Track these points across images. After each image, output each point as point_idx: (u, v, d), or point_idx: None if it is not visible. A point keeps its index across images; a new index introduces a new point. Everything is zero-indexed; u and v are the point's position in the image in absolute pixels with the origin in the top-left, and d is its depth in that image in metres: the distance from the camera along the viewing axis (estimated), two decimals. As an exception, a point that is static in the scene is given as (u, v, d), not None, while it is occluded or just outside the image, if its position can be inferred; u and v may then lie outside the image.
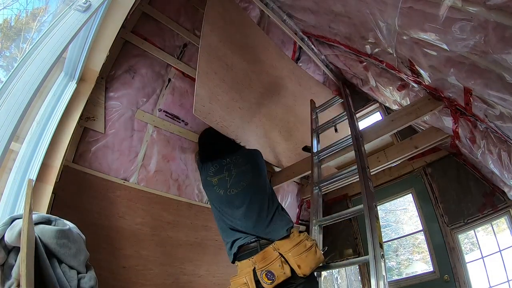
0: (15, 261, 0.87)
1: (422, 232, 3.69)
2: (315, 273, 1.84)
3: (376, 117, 4.37)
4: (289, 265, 1.59)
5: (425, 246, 3.73)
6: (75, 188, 1.80)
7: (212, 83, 2.21)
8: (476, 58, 1.61)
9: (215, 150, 2.07)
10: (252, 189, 1.90)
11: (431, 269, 3.44)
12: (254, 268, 1.61)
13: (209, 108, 2.13)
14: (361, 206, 2.13)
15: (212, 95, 2.19)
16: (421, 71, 2.17)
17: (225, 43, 2.49)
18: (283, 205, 2.51)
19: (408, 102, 2.88)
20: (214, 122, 2.15)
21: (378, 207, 2.33)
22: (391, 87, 3.04)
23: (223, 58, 2.42)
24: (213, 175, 1.96)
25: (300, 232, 1.76)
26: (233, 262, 1.77)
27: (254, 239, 1.71)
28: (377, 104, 4.22)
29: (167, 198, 2.25)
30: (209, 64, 2.23)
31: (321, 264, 1.76)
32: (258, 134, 2.66)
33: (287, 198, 3.76)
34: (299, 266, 1.57)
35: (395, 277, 4.97)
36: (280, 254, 1.61)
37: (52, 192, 1.45)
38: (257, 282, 1.57)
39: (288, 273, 1.57)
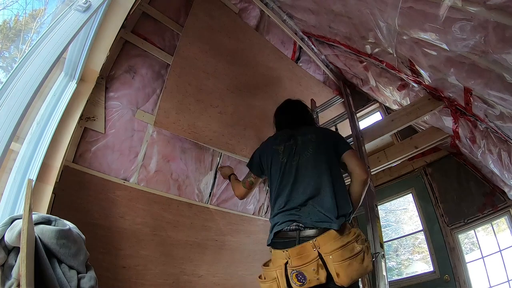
0: (15, 261, 0.87)
1: (422, 232, 3.70)
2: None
3: (376, 117, 4.38)
4: (326, 270, 1.34)
5: (425, 246, 3.73)
6: (75, 188, 1.80)
7: (182, 94, 2.29)
8: (476, 58, 1.61)
9: (286, 119, 1.99)
10: (312, 162, 1.62)
11: (431, 269, 3.45)
12: (287, 263, 1.41)
13: (175, 118, 2.21)
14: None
15: (181, 106, 2.26)
16: (421, 71, 2.18)
17: (209, 52, 2.56)
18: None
19: (408, 102, 2.88)
20: (181, 130, 2.23)
21: (379, 207, 2.34)
22: (391, 87, 3.04)
23: (203, 67, 2.49)
24: (279, 143, 1.79)
25: (352, 227, 1.48)
26: (268, 245, 1.58)
27: (294, 226, 1.46)
28: (377, 104, 4.22)
29: (167, 198, 2.25)
30: (182, 77, 2.31)
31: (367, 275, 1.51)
32: (247, 136, 2.68)
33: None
34: (337, 275, 1.31)
35: (396, 277, 4.97)
36: (320, 254, 1.35)
37: (52, 192, 1.45)
38: (287, 278, 1.40)
39: (322, 279, 1.33)
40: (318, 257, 1.35)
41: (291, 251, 1.40)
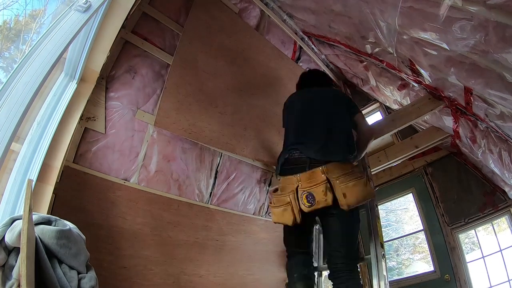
0: (16, 261, 0.87)
1: (423, 231, 3.70)
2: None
3: (377, 116, 4.38)
4: (333, 193, 1.50)
5: (425, 245, 3.74)
6: (76, 189, 1.80)
7: (182, 95, 2.29)
8: (476, 57, 1.61)
9: (308, 80, 2.34)
10: (331, 109, 1.93)
11: (431, 268, 3.45)
12: (297, 186, 1.56)
13: (175, 118, 2.22)
14: (362, 205, 2.12)
15: (181, 106, 2.27)
16: (422, 71, 2.17)
17: (209, 52, 2.57)
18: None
19: (409, 102, 2.88)
20: (181, 130, 2.24)
21: (379, 207, 2.34)
22: (391, 87, 3.04)
23: (204, 67, 2.49)
24: (300, 95, 2.23)
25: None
26: (278, 175, 1.78)
27: (304, 156, 1.66)
28: (378, 104, 4.22)
29: (168, 198, 2.25)
30: (182, 78, 2.32)
31: (370, 199, 1.70)
32: (247, 136, 2.68)
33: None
34: (344, 195, 1.48)
35: (396, 277, 4.97)
36: (328, 179, 1.52)
37: (53, 193, 1.45)
38: (298, 201, 1.55)
39: (329, 201, 1.49)
40: (327, 181, 1.51)
41: (303, 175, 1.57)
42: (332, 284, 1.62)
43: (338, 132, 1.79)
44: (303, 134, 1.81)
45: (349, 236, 1.65)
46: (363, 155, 2.06)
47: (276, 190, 1.75)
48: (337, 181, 1.51)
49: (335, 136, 1.75)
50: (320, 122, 1.84)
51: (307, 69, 2.52)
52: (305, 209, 1.52)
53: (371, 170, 2.44)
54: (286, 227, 1.76)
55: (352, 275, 1.56)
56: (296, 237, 1.77)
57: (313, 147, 1.68)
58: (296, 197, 1.56)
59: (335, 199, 1.50)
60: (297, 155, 1.70)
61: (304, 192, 1.52)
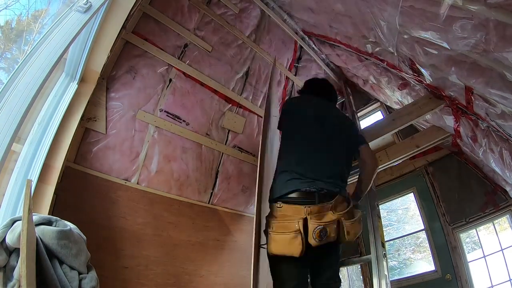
0: (17, 262, 0.87)
1: (424, 231, 3.69)
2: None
3: (377, 116, 4.37)
4: (339, 230, 1.53)
5: (427, 245, 3.73)
6: (77, 189, 1.80)
7: None
8: (477, 56, 1.61)
9: (320, 89, 2.18)
10: (338, 136, 1.85)
11: (433, 268, 3.45)
12: (306, 218, 1.48)
13: None
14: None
15: None
16: (422, 70, 2.17)
17: None
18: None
19: (409, 101, 2.87)
20: None
21: (380, 206, 2.34)
22: (392, 86, 3.03)
23: None
24: (308, 104, 2.02)
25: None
26: (275, 200, 1.60)
27: (314, 189, 1.56)
28: (378, 103, 4.21)
29: (169, 198, 2.26)
30: None
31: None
32: None
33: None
34: (348, 232, 1.52)
35: (397, 276, 4.96)
36: (337, 215, 1.53)
37: (54, 193, 1.45)
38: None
39: (335, 236, 1.52)
40: (337, 219, 1.52)
41: (313, 208, 1.50)
42: None
43: (344, 164, 1.79)
44: (312, 161, 1.69)
45: (339, 264, 1.79)
46: (366, 191, 1.97)
47: (272, 216, 1.58)
48: (343, 219, 1.54)
49: (340, 168, 1.74)
50: (331, 148, 1.77)
51: (316, 76, 2.41)
52: (314, 243, 1.45)
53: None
54: (283, 259, 1.50)
55: None
56: (299, 270, 1.59)
57: (323, 178, 1.61)
58: (303, 227, 1.47)
59: (338, 235, 1.53)
60: (307, 187, 1.58)
61: (319, 227, 1.45)
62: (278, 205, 1.57)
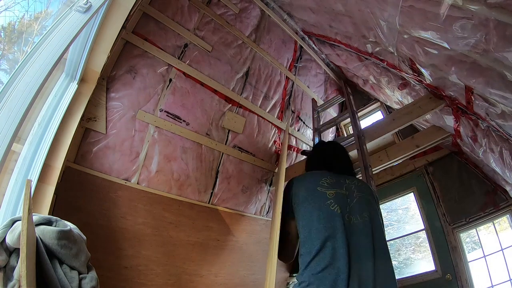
0: (17, 262, 0.87)
1: (424, 231, 3.68)
2: None
3: (377, 116, 4.37)
4: None
5: (427, 245, 3.72)
6: (77, 189, 1.81)
7: None
8: (477, 56, 1.60)
9: (338, 162, 1.66)
10: (374, 226, 1.37)
11: (433, 268, 3.44)
12: None
13: None
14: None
15: None
16: (422, 70, 2.17)
17: None
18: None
19: (409, 101, 2.87)
20: None
21: (380, 206, 2.33)
22: (392, 86, 3.03)
23: None
24: (328, 187, 1.45)
25: None
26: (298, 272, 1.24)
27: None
28: (378, 103, 4.21)
29: (169, 198, 2.26)
30: None
31: None
32: None
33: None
34: None
35: (397, 276, 4.96)
36: None
37: (54, 193, 1.45)
38: None
39: None
40: None
41: None
42: None
43: (387, 254, 1.34)
44: (351, 271, 1.19)
45: None
46: None
47: None
48: None
49: (386, 265, 1.29)
50: (372, 241, 1.30)
51: (326, 142, 1.90)
52: None
53: (372, 170, 2.43)
54: None
55: None
56: None
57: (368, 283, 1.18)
58: None
59: None
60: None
61: None
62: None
